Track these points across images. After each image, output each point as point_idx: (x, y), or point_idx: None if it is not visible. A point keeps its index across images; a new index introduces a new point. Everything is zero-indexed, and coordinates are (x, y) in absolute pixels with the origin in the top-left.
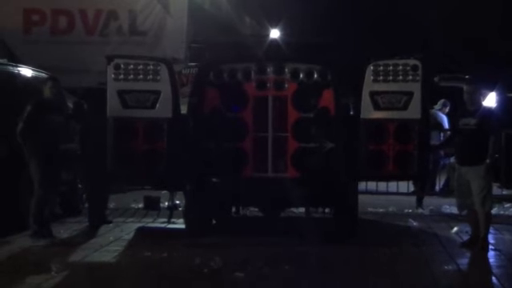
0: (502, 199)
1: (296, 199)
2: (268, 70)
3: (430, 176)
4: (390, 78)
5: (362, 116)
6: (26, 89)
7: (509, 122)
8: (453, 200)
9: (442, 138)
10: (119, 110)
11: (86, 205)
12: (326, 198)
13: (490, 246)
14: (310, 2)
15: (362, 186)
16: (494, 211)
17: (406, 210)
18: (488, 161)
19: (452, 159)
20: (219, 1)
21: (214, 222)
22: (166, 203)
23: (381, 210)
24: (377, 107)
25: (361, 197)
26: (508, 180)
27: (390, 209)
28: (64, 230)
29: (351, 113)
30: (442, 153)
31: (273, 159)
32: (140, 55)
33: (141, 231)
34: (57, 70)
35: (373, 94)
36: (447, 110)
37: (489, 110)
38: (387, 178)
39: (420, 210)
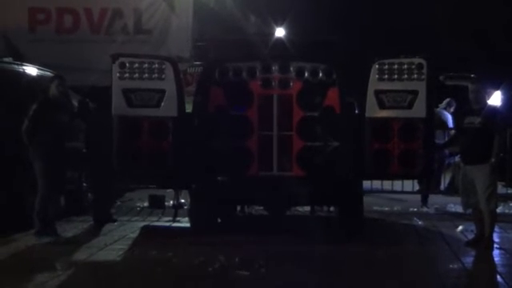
0: (507, 198)
1: (301, 198)
2: (273, 68)
3: (435, 175)
4: (395, 76)
5: (366, 115)
6: (30, 87)
7: None
8: (458, 199)
9: (446, 137)
10: (124, 109)
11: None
12: (331, 196)
13: (495, 245)
14: (315, 1)
15: (367, 184)
16: (498, 210)
17: (411, 209)
18: (493, 159)
19: (457, 158)
20: None
21: (218, 220)
22: (171, 202)
23: (386, 209)
24: (382, 106)
25: (366, 196)
26: None
27: (395, 207)
28: (69, 229)
29: (356, 111)
30: (446, 152)
31: (278, 158)
32: (145, 54)
33: (146, 230)
34: (62, 69)
35: (378, 93)
36: (452, 109)
37: (494, 109)
38: (392, 177)
39: (425, 209)
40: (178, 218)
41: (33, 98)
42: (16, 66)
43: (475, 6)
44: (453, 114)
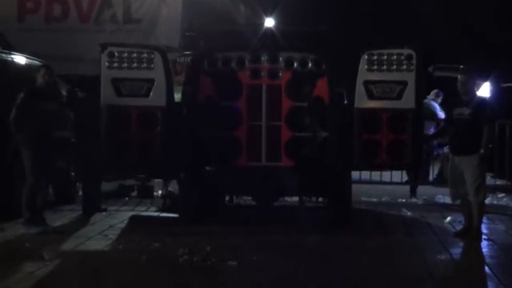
0: (495, 189)
1: (290, 188)
2: (262, 58)
3: (423, 166)
4: (385, 67)
5: (355, 105)
6: (19, 76)
7: (502, 111)
8: (446, 190)
9: (433, 128)
10: (113, 99)
11: (80, 193)
12: (320, 187)
13: (483, 236)
14: None
15: (355, 175)
16: (487, 201)
17: (400, 200)
18: (482, 151)
19: (446, 149)
20: None
21: (207, 210)
22: (160, 192)
23: (374, 200)
24: (371, 96)
25: (354, 186)
26: (501, 170)
27: (384, 198)
28: (57, 218)
29: (345, 102)
30: (435, 142)
31: (267, 148)
32: (134, 43)
33: (134, 219)
34: (51, 58)
35: (367, 84)
36: (440, 99)
37: (483, 100)
38: (381, 168)
39: (413, 200)
40: (166, 208)
41: (21, 87)
42: (4, 55)
43: None
44: (440, 105)
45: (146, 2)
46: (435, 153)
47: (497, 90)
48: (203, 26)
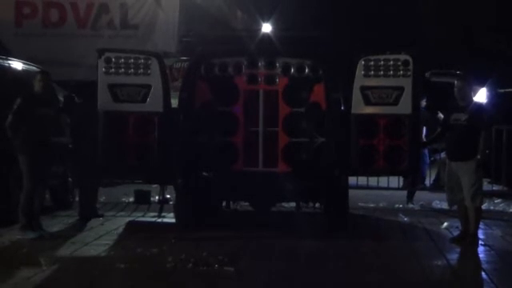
0: (492, 195)
1: (286, 194)
2: (259, 64)
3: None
4: (381, 73)
5: (352, 111)
6: (16, 82)
7: (499, 117)
8: (443, 195)
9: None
10: (110, 104)
11: (77, 198)
12: (317, 192)
13: (480, 242)
14: None
15: (352, 180)
16: (484, 206)
17: (397, 205)
18: (478, 156)
19: (443, 154)
20: None
21: (204, 216)
22: (157, 197)
23: (371, 205)
24: (368, 102)
25: (351, 192)
26: (498, 175)
27: (381, 204)
28: (54, 224)
29: (342, 108)
30: (425, 150)
31: (263, 154)
32: (131, 49)
33: (131, 225)
34: (48, 63)
35: (364, 89)
36: (424, 103)
37: (479, 106)
38: (378, 173)
39: (410, 205)
40: (163, 214)
41: (18, 92)
42: (1, 61)
43: (464, 3)
44: (425, 108)
45: (143, 8)
46: (432, 158)
47: (494, 96)
48: (200, 32)
